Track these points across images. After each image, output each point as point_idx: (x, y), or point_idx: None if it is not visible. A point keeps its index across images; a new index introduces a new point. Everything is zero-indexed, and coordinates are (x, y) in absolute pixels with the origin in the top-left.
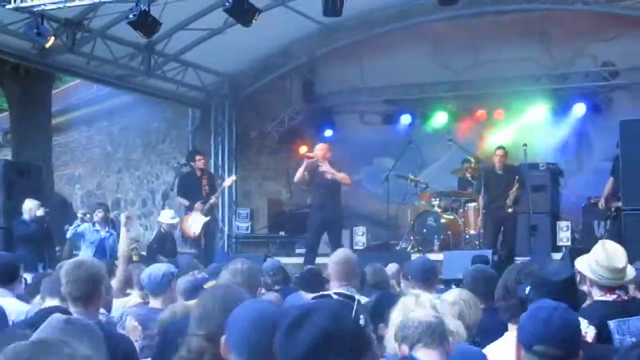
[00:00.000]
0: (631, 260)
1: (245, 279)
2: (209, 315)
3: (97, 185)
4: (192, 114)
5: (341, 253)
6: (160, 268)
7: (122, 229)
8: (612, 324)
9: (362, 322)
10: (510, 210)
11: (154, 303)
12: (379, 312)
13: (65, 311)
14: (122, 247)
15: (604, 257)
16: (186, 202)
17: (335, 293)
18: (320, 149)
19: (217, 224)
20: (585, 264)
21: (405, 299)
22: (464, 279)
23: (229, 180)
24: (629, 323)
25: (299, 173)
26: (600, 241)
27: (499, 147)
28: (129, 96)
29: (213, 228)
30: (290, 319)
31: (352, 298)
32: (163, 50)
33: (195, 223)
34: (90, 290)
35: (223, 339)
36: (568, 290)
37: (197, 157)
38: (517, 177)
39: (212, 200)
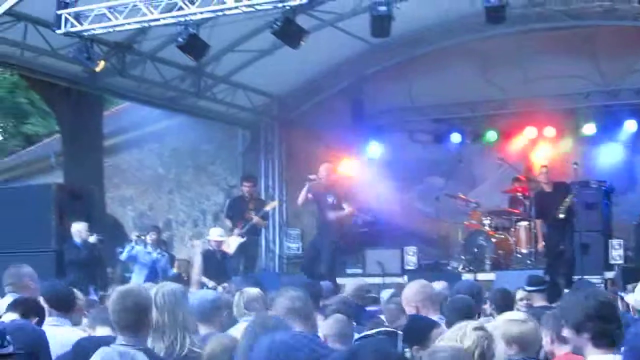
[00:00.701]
0: None
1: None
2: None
3: (149, 207)
4: (241, 135)
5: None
6: (207, 295)
7: (197, 257)
8: None
9: (407, 354)
10: (562, 215)
11: (202, 330)
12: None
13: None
14: (196, 272)
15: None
16: (229, 224)
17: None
18: (324, 169)
19: (258, 246)
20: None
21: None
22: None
23: (270, 205)
24: None
25: (302, 196)
26: None
27: (543, 166)
28: (179, 118)
29: (253, 250)
30: None
31: (394, 333)
32: (212, 72)
33: (232, 244)
34: (137, 319)
35: None
36: (614, 313)
37: (245, 183)
38: (568, 189)
39: (253, 220)
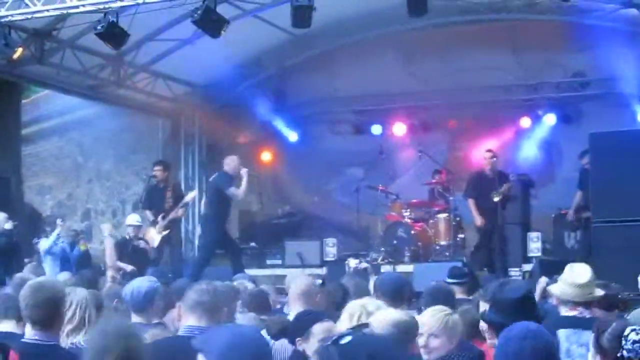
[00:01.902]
0: (601, 271)
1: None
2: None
3: (68, 196)
4: (162, 125)
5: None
6: (140, 285)
7: (107, 240)
8: (562, 332)
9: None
10: (496, 198)
11: (136, 319)
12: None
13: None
14: (109, 258)
15: (569, 275)
16: (150, 217)
17: None
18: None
19: (177, 236)
20: (556, 284)
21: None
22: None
23: (190, 196)
24: (580, 334)
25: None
26: (569, 264)
27: (488, 150)
28: (99, 107)
29: (176, 239)
30: None
31: None
32: (133, 61)
33: (155, 238)
34: (51, 314)
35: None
36: (525, 308)
37: (155, 168)
38: (509, 179)
39: (172, 214)
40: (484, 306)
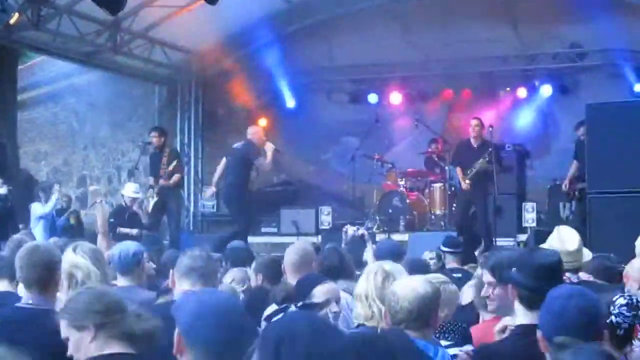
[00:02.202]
0: (596, 242)
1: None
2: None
3: (64, 162)
4: (159, 92)
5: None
6: (128, 247)
7: (99, 206)
8: None
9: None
10: (467, 181)
11: (123, 282)
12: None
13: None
14: (102, 223)
15: (557, 241)
16: (151, 181)
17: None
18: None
19: (178, 204)
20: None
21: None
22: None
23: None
24: None
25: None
26: (556, 227)
27: (474, 118)
28: (96, 73)
29: (174, 209)
30: None
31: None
32: (130, 27)
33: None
34: (46, 276)
35: (176, 334)
36: (555, 274)
37: (151, 134)
38: (489, 150)
39: (162, 182)
40: (486, 275)
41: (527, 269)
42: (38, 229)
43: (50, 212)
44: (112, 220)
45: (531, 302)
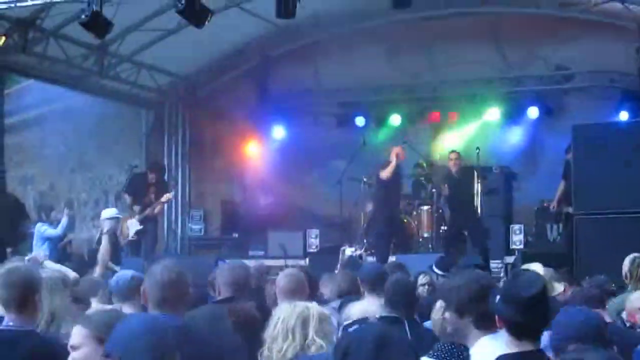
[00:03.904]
0: (583, 263)
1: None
2: None
3: (50, 186)
4: (145, 115)
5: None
6: (127, 272)
7: (105, 236)
8: None
9: None
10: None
11: (124, 309)
12: None
13: None
14: (104, 257)
15: None
16: (128, 200)
17: None
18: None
19: (155, 227)
20: None
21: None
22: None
23: (165, 197)
24: None
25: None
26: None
27: (452, 151)
28: (83, 97)
29: (150, 231)
30: None
31: None
32: (117, 51)
33: (131, 227)
34: (23, 297)
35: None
36: (538, 305)
37: (150, 175)
38: (476, 173)
39: (147, 212)
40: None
41: (512, 301)
42: (42, 250)
43: (61, 235)
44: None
45: (519, 334)
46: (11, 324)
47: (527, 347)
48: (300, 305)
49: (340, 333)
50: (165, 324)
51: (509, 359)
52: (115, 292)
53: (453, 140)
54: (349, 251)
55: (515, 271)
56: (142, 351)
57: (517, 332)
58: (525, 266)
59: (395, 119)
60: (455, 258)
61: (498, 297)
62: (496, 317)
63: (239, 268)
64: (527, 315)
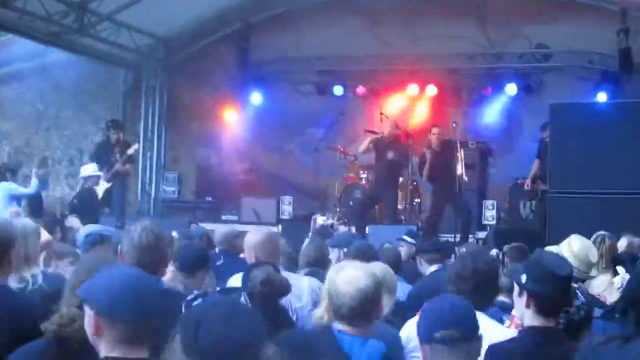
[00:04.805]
0: (553, 240)
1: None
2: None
3: (26, 142)
4: (124, 76)
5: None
6: (95, 228)
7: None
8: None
9: None
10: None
11: None
12: None
13: None
14: None
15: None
16: (96, 170)
17: None
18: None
19: (123, 188)
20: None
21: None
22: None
23: (131, 149)
24: None
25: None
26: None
27: (435, 126)
28: (62, 54)
29: (118, 192)
30: None
31: None
32: (97, 9)
33: (99, 189)
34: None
35: (91, 312)
36: (569, 284)
37: (112, 131)
38: (457, 146)
39: (116, 167)
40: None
41: (547, 280)
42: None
43: (34, 194)
44: (75, 201)
45: (547, 310)
46: None
47: (551, 323)
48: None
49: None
50: (148, 283)
51: (538, 332)
52: (80, 247)
53: (430, 113)
54: (320, 220)
55: (540, 250)
56: (121, 304)
57: (546, 309)
58: (567, 241)
59: (373, 90)
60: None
61: (524, 276)
62: (525, 294)
63: None
64: (559, 293)
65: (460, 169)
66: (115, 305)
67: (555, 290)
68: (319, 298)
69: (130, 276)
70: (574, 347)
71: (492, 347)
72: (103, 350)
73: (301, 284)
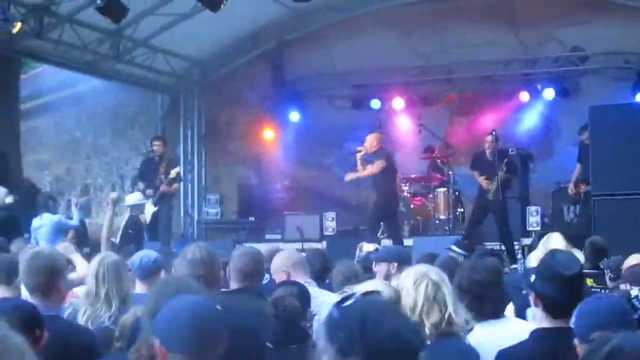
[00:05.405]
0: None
1: (208, 270)
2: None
3: (66, 171)
4: (161, 100)
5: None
6: (150, 254)
7: (109, 212)
8: None
9: None
10: (490, 197)
11: (141, 289)
12: None
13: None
14: (106, 232)
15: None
16: (141, 187)
17: None
18: (367, 140)
19: (169, 211)
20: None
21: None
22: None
23: (173, 172)
24: None
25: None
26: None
27: (490, 133)
28: (97, 81)
29: (165, 215)
30: None
31: None
32: (132, 36)
33: (147, 211)
34: (48, 281)
35: (157, 342)
36: (577, 284)
37: (154, 143)
38: (505, 161)
39: (162, 188)
40: None
41: (552, 279)
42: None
43: (77, 225)
44: (130, 231)
45: (554, 312)
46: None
47: (561, 324)
48: None
49: None
50: (209, 307)
51: (546, 333)
52: (135, 271)
53: (469, 122)
54: (366, 247)
55: (552, 250)
56: (184, 334)
57: (554, 309)
58: (546, 237)
59: (410, 101)
60: (473, 240)
61: (534, 275)
62: (533, 294)
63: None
64: (566, 294)
65: (491, 195)
66: (177, 338)
67: (561, 289)
68: None
69: (195, 308)
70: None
71: (501, 352)
72: None
73: (327, 300)
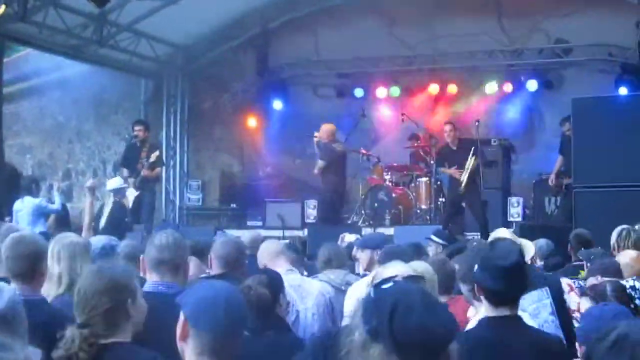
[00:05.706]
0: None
1: (172, 254)
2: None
3: (49, 156)
4: (144, 85)
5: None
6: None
7: (88, 200)
8: None
9: None
10: (462, 189)
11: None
12: None
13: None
14: (88, 219)
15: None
16: (124, 173)
17: None
18: (322, 129)
19: (152, 196)
20: None
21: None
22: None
23: (153, 156)
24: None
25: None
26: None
27: (447, 123)
28: (81, 66)
29: (148, 201)
30: None
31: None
32: (116, 20)
33: (129, 197)
34: (32, 267)
35: (182, 317)
36: (515, 274)
37: (136, 127)
38: (472, 149)
39: (143, 173)
40: None
41: (490, 270)
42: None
43: (59, 209)
44: (117, 215)
45: (496, 302)
46: (18, 293)
47: (503, 312)
48: None
49: None
50: (238, 295)
51: (488, 322)
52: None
53: (451, 112)
54: (348, 238)
55: (492, 241)
56: (215, 316)
57: (495, 299)
58: (493, 233)
59: (394, 91)
60: (453, 230)
61: (477, 266)
62: (475, 285)
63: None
64: (505, 284)
65: (463, 185)
66: (207, 318)
67: (499, 279)
68: (326, 303)
69: (227, 294)
70: (533, 333)
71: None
72: (186, 358)
73: (311, 287)
